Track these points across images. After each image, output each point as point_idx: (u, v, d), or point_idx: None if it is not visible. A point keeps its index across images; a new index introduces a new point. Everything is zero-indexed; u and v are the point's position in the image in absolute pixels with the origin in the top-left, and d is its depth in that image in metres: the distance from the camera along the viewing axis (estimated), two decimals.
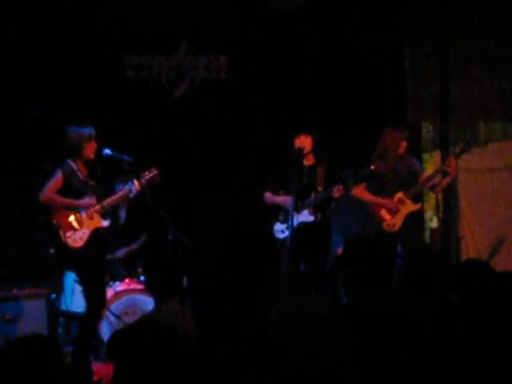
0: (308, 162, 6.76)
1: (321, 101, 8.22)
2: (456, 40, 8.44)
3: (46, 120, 7.43)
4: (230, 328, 2.73)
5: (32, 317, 6.51)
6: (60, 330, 6.73)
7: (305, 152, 6.67)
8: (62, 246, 6.03)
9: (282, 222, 6.67)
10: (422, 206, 7.50)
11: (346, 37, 8.39)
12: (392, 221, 6.68)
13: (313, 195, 6.65)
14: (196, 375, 2.62)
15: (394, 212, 6.68)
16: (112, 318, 6.52)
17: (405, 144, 6.73)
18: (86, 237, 6.06)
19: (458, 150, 7.08)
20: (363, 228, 7.18)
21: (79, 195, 6.09)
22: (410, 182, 6.74)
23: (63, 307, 6.69)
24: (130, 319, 6.40)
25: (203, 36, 8.23)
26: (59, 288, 6.74)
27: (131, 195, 6.26)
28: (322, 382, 2.58)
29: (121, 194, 6.29)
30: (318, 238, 6.67)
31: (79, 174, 6.09)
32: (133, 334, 2.70)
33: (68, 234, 6.02)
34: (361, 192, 6.79)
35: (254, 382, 2.58)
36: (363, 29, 8.35)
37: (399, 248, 6.59)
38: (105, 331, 6.47)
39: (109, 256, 6.97)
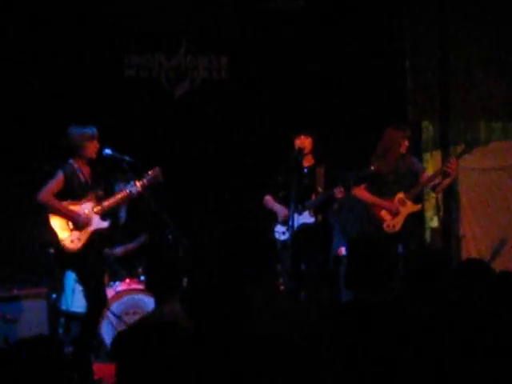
0: (308, 162, 6.76)
1: (321, 101, 8.22)
2: (456, 40, 8.44)
3: (46, 120, 7.42)
4: (226, 327, 2.73)
5: (32, 317, 6.50)
6: (60, 330, 6.73)
7: (305, 152, 6.67)
8: (60, 248, 6.02)
9: (283, 224, 6.67)
10: (423, 205, 7.50)
11: (347, 37, 8.38)
12: (392, 221, 6.67)
13: (313, 197, 6.65)
14: (196, 374, 2.63)
15: (394, 213, 6.68)
16: (112, 318, 6.52)
17: (406, 143, 6.72)
18: (84, 238, 6.05)
19: (459, 150, 7.07)
20: (364, 229, 7.18)
21: (78, 197, 6.07)
22: (410, 183, 6.74)
23: (64, 307, 6.69)
24: (130, 319, 6.40)
25: (203, 36, 8.23)
26: (60, 288, 6.73)
27: (132, 196, 6.24)
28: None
29: (121, 194, 6.25)
30: (319, 239, 6.67)
31: (80, 175, 6.07)
32: (135, 334, 2.71)
33: (65, 235, 6.01)
34: (361, 192, 6.79)
35: (252, 381, 2.59)
36: (363, 29, 8.35)
37: (400, 248, 6.58)
38: (105, 331, 6.48)
39: (106, 251, 6.97)
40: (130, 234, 7.33)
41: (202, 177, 8.02)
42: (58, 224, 6.03)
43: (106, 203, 6.14)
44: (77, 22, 7.71)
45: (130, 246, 7.28)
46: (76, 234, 6.02)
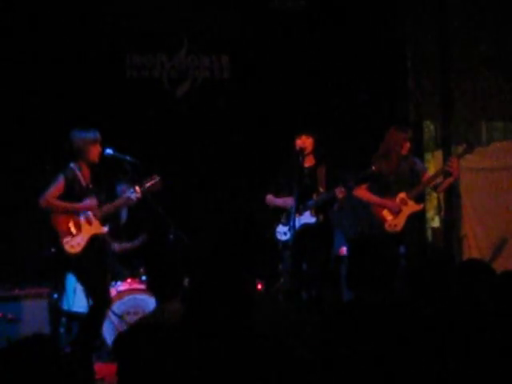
0: (309, 162, 6.75)
1: (322, 101, 8.22)
2: (457, 39, 8.44)
3: (48, 120, 7.43)
4: (227, 327, 2.73)
5: (34, 317, 6.50)
6: (62, 330, 6.73)
7: (306, 153, 6.67)
8: (60, 251, 6.03)
9: (285, 224, 6.67)
10: (424, 205, 7.50)
11: (348, 37, 8.38)
12: (394, 221, 6.67)
13: (314, 197, 6.65)
14: (198, 374, 2.63)
15: (396, 212, 6.67)
16: (114, 318, 6.53)
17: (408, 145, 6.72)
18: (83, 243, 6.03)
19: (460, 150, 7.07)
20: (365, 229, 7.17)
21: (79, 200, 6.07)
22: (412, 182, 6.73)
23: (65, 307, 6.69)
24: (131, 319, 6.40)
25: (205, 36, 8.23)
26: (61, 288, 6.73)
27: (131, 202, 6.24)
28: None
29: (120, 201, 6.26)
30: (320, 239, 6.67)
31: (81, 179, 6.05)
32: (136, 335, 2.70)
33: (66, 239, 6.01)
34: (363, 192, 6.79)
35: (252, 381, 2.59)
36: (364, 29, 8.35)
37: (401, 248, 6.58)
38: (107, 331, 6.48)
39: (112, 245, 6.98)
40: (131, 233, 7.33)
41: (203, 177, 8.02)
42: (59, 228, 6.03)
43: (105, 208, 6.14)
44: (78, 22, 7.71)
45: (129, 245, 7.28)
46: (76, 238, 6.02)
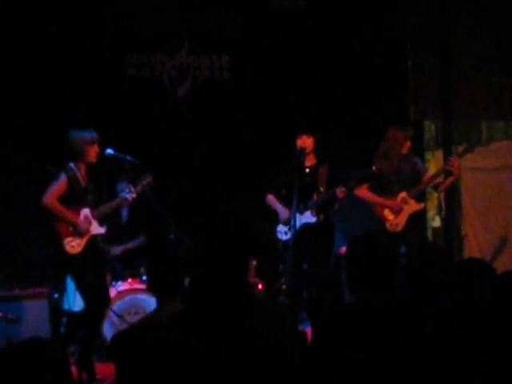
0: (310, 162, 6.75)
1: (323, 101, 8.22)
2: (458, 39, 8.43)
3: (49, 119, 7.43)
4: (228, 327, 2.72)
5: (34, 317, 6.50)
6: (62, 330, 6.73)
7: (306, 152, 6.67)
8: (60, 251, 6.03)
9: (284, 224, 6.67)
10: (425, 205, 7.49)
11: (348, 36, 8.38)
12: (395, 221, 6.67)
13: (315, 196, 6.65)
14: (196, 375, 2.62)
15: (397, 212, 6.67)
16: (114, 318, 6.52)
17: (408, 144, 6.71)
18: (83, 243, 6.05)
19: (461, 150, 7.06)
20: (366, 228, 7.17)
21: (78, 201, 6.07)
22: (413, 182, 6.73)
23: (66, 307, 6.69)
24: (132, 319, 6.40)
25: (205, 35, 8.23)
26: (62, 288, 6.74)
27: (128, 202, 6.29)
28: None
29: (117, 201, 6.29)
30: (321, 238, 6.67)
31: (81, 180, 6.07)
32: (134, 335, 2.69)
33: (67, 240, 6.02)
34: (364, 192, 6.78)
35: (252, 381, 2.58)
36: (365, 28, 8.34)
37: (402, 248, 6.57)
38: (107, 331, 6.48)
39: (108, 248, 6.98)
40: (131, 233, 7.33)
41: (203, 176, 8.02)
42: (60, 229, 6.03)
43: (103, 209, 6.15)
44: (79, 21, 7.71)
45: (129, 245, 7.28)
46: (76, 240, 6.04)
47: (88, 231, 6.05)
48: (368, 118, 8.15)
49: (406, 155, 6.71)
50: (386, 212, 6.70)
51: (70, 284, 6.69)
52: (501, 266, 6.55)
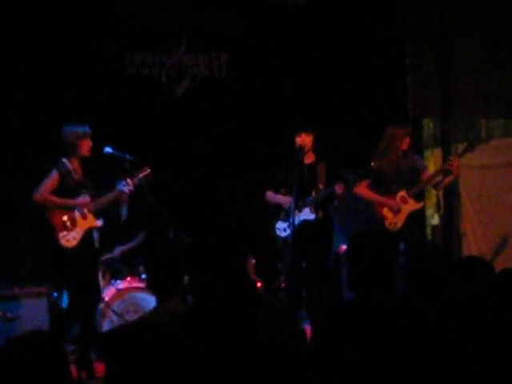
0: (309, 160, 6.75)
1: (322, 98, 8.22)
2: (456, 37, 8.43)
3: (47, 118, 7.42)
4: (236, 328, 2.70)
5: (33, 315, 6.49)
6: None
7: (305, 150, 6.67)
8: (55, 246, 6.03)
9: (284, 221, 6.67)
10: (424, 203, 7.50)
11: (347, 34, 8.37)
12: (394, 219, 6.66)
13: (314, 193, 6.65)
14: (196, 375, 2.61)
15: (396, 210, 6.67)
16: (114, 317, 6.52)
17: (408, 140, 6.71)
18: (79, 237, 6.07)
19: (461, 149, 7.06)
20: (365, 226, 7.17)
21: (73, 195, 6.09)
22: (412, 180, 6.72)
23: (65, 306, 6.69)
24: (131, 317, 6.40)
25: (204, 34, 8.22)
26: (61, 286, 6.74)
27: (124, 195, 6.29)
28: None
29: (113, 194, 6.26)
30: (319, 235, 6.67)
31: (74, 174, 6.09)
32: (125, 335, 2.67)
33: (62, 234, 6.04)
34: (363, 190, 6.77)
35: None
36: (364, 26, 8.34)
37: (401, 246, 6.58)
38: (106, 329, 6.47)
39: (108, 256, 6.99)
40: (130, 232, 7.33)
41: (202, 174, 8.02)
42: (55, 222, 6.05)
43: (98, 202, 6.16)
44: (77, 20, 7.70)
45: (129, 245, 7.28)
46: (72, 233, 6.05)
47: (84, 218, 6.05)
48: (367, 115, 8.15)
49: (405, 152, 6.70)
50: (385, 211, 6.69)
51: None
52: (499, 264, 6.55)
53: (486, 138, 8.64)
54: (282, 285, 7.07)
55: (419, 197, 6.83)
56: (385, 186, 6.73)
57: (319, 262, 6.66)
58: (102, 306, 6.52)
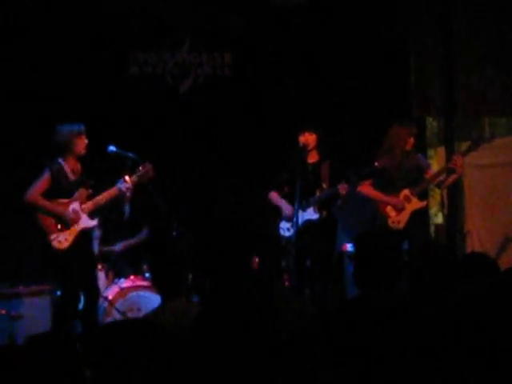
0: (312, 159, 6.75)
1: (325, 97, 8.21)
2: (460, 36, 8.41)
3: (50, 117, 7.41)
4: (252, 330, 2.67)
5: (37, 314, 6.50)
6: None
7: (309, 149, 6.67)
8: (47, 248, 6.01)
9: (288, 220, 6.67)
10: (427, 202, 7.49)
11: (350, 33, 8.36)
12: (397, 218, 6.66)
13: (317, 193, 6.65)
14: (195, 376, 2.58)
15: (399, 209, 6.66)
16: (117, 315, 6.52)
17: (412, 140, 6.71)
18: (71, 238, 6.04)
19: (464, 147, 7.05)
20: (369, 225, 7.17)
21: (66, 195, 6.06)
22: (416, 179, 6.72)
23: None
24: (134, 316, 6.40)
25: (207, 33, 8.22)
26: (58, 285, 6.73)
27: (122, 193, 6.22)
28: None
29: (110, 192, 6.19)
30: (323, 235, 6.67)
31: (68, 174, 6.06)
32: (111, 333, 2.62)
33: (53, 236, 6.01)
34: (366, 189, 6.77)
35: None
36: (367, 25, 8.33)
37: (405, 245, 6.57)
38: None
39: (106, 248, 6.98)
40: (133, 229, 7.32)
41: (205, 173, 8.02)
42: (45, 224, 6.02)
43: (93, 201, 6.13)
44: (81, 19, 7.70)
45: (131, 241, 7.27)
46: (64, 234, 6.02)
47: (75, 223, 6.02)
48: (370, 114, 8.14)
49: (408, 151, 6.70)
50: (389, 209, 6.69)
51: None
52: (504, 262, 6.54)
53: (489, 136, 8.63)
54: (286, 284, 7.07)
55: (423, 195, 6.83)
56: (388, 184, 6.73)
57: (323, 261, 6.66)
58: (105, 304, 6.52)
